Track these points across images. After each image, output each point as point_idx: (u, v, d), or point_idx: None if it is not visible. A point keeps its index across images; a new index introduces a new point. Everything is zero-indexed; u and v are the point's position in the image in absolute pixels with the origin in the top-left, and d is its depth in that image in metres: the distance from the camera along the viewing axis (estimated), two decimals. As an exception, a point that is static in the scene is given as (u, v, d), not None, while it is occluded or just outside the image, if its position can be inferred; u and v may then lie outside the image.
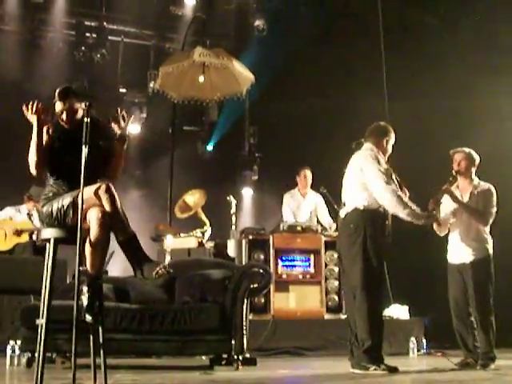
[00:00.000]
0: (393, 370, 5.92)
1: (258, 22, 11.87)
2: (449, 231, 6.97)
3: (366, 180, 6.13)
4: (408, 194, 6.31)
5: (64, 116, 4.88)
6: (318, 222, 9.78)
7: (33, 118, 4.71)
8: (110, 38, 11.85)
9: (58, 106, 4.88)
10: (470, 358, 6.68)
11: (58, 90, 4.89)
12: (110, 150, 5.00)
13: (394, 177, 6.21)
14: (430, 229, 6.29)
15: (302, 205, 9.96)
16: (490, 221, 6.84)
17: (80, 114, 4.82)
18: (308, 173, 10.01)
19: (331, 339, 8.45)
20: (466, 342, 6.71)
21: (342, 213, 6.35)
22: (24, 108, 4.73)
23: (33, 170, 4.77)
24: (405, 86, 10.92)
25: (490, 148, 9.86)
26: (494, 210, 6.86)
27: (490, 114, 10.72)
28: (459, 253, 6.81)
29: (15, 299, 7.47)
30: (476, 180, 6.94)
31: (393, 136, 6.44)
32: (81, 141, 4.42)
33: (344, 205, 6.38)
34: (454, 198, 6.81)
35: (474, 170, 6.96)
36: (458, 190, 6.93)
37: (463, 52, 10.92)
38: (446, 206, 6.91)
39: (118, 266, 8.27)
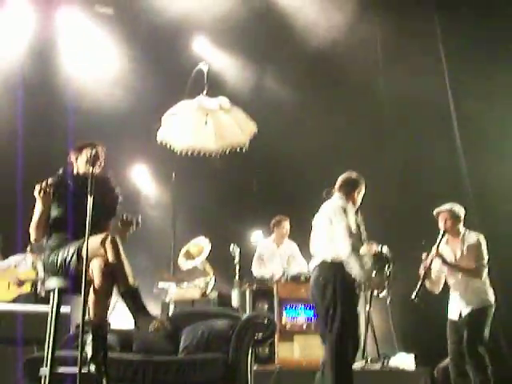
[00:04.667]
0: None
1: None
2: (449, 288, 6.98)
3: (334, 233, 6.13)
4: (374, 245, 6.55)
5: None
6: None
7: (39, 196, 4.84)
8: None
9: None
10: None
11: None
12: (113, 205, 5.11)
13: (362, 228, 6.22)
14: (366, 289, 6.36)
15: (276, 256, 9.92)
16: (484, 273, 6.87)
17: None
18: (287, 224, 9.98)
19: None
20: None
21: (311, 265, 6.37)
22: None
23: (33, 239, 4.93)
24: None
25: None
26: (485, 260, 6.88)
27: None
28: (457, 308, 6.83)
29: (18, 350, 7.40)
30: (462, 231, 6.99)
31: (363, 187, 6.49)
32: (86, 192, 4.52)
33: (312, 256, 6.40)
34: (445, 263, 6.87)
35: (460, 224, 7.03)
36: (448, 246, 6.96)
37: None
38: (437, 264, 6.92)
39: (121, 317, 8.20)
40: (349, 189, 6.39)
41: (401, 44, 11.44)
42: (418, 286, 6.69)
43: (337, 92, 11.76)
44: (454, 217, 6.96)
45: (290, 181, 11.85)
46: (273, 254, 9.96)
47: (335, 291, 6.04)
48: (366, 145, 11.03)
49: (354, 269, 6.02)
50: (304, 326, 8.91)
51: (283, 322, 8.82)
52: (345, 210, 6.17)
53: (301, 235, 10.08)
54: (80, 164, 5.10)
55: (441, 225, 6.95)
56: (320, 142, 11.53)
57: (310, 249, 6.54)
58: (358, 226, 6.20)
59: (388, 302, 9.32)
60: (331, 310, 6.06)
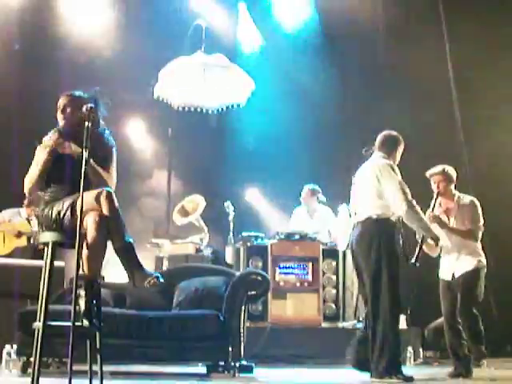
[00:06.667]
0: (409, 380, 5.92)
1: None
2: (441, 250, 6.99)
3: (385, 190, 6.14)
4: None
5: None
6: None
7: (47, 148, 4.78)
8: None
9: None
10: (460, 368, 6.66)
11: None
12: (108, 158, 5.04)
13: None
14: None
15: (308, 223, 9.89)
16: (480, 235, 6.89)
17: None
18: (309, 191, 9.93)
19: (328, 348, 8.42)
20: (457, 352, 6.68)
21: (354, 222, 6.37)
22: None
23: (27, 192, 4.85)
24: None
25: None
26: (481, 223, 6.90)
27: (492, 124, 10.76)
28: (450, 269, 6.85)
29: (12, 304, 7.43)
30: (457, 195, 6.99)
31: (403, 145, 6.48)
32: (81, 146, 4.48)
33: (355, 214, 6.41)
34: (441, 224, 6.84)
35: (453, 186, 7.00)
36: (441, 209, 6.96)
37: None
38: (434, 228, 6.92)
39: (115, 272, 8.24)
40: (391, 147, 6.41)
41: (402, 12, 11.42)
42: (418, 249, 6.63)
43: (338, 57, 11.72)
44: (447, 179, 6.95)
45: (287, 139, 11.82)
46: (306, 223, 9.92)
47: (380, 247, 6.07)
48: (365, 110, 11.01)
49: (415, 222, 6.11)
50: (297, 284, 8.96)
51: (276, 280, 8.88)
52: (392, 168, 6.20)
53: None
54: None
55: (434, 187, 6.94)
56: (318, 103, 11.50)
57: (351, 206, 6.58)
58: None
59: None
60: (377, 266, 6.06)
